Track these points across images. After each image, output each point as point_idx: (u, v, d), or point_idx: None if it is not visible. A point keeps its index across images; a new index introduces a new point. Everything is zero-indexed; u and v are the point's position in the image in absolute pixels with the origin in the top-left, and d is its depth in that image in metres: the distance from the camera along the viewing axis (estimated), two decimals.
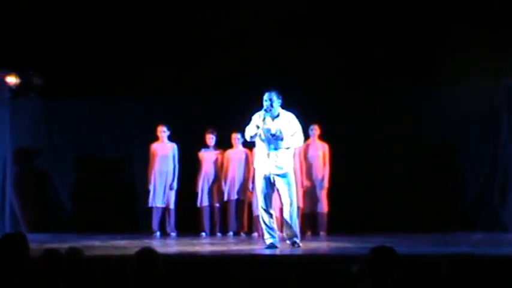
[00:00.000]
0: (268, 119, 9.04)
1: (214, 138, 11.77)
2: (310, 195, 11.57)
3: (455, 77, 11.42)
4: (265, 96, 9.02)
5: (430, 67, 11.67)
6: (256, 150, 9.32)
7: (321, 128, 11.58)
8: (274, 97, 9.00)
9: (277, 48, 11.73)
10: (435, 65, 11.61)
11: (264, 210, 9.15)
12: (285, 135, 9.01)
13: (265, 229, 9.18)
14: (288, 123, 9.08)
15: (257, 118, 9.05)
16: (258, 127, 8.96)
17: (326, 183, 11.59)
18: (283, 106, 9.15)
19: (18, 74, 11.98)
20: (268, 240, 9.11)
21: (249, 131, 9.05)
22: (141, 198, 12.14)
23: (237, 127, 11.31)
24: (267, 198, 9.15)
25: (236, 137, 11.62)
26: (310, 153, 11.51)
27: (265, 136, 9.04)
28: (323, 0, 11.64)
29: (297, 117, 9.17)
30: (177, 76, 12.04)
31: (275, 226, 9.25)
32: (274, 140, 9.01)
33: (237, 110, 11.38)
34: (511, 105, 11.66)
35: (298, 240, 9.13)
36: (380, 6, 11.55)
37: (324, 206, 11.59)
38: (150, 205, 11.75)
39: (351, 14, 11.66)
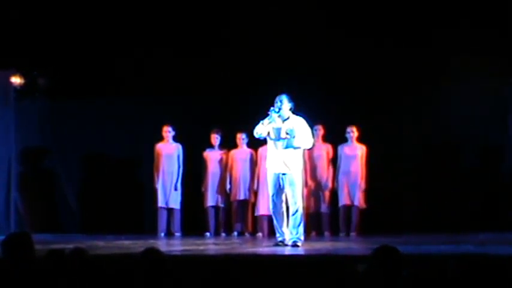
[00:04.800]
0: (278, 119, 9.25)
1: (219, 138, 11.77)
2: (314, 195, 11.58)
3: (462, 76, 11.41)
4: (277, 98, 9.29)
5: (435, 66, 11.64)
6: (267, 150, 9.56)
7: (324, 128, 11.57)
8: (285, 100, 9.28)
9: (282, 49, 11.70)
10: (441, 64, 11.58)
11: (273, 208, 9.36)
12: (296, 134, 9.20)
13: (275, 227, 9.44)
14: (297, 126, 9.29)
15: (267, 119, 9.26)
16: (270, 119, 9.18)
17: (330, 184, 11.59)
18: (294, 111, 9.37)
19: (23, 75, 11.98)
20: (278, 238, 9.36)
21: (258, 128, 9.28)
22: (147, 198, 12.16)
23: (242, 127, 11.32)
24: (277, 197, 9.31)
25: (241, 137, 11.63)
26: (315, 153, 11.50)
27: (275, 136, 9.27)
28: (332, 1, 11.61)
29: (306, 121, 9.40)
30: (182, 76, 12.02)
31: (285, 224, 9.36)
32: (285, 138, 9.20)
33: (242, 110, 11.40)
34: None
35: (299, 242, 9.20)
36: (388, 6, 11.51)
37: (327, 207, 11.59)
38: (159, 205, 11.76)
39: (357, 16, 11.63)
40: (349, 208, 11.58)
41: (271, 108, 9.21)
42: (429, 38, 11.52)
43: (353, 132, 11.55)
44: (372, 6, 11.57)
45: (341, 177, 11.56)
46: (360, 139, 11.64)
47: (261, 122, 9.24)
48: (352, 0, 11.69)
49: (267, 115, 9.20)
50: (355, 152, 11.57)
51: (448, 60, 11.45)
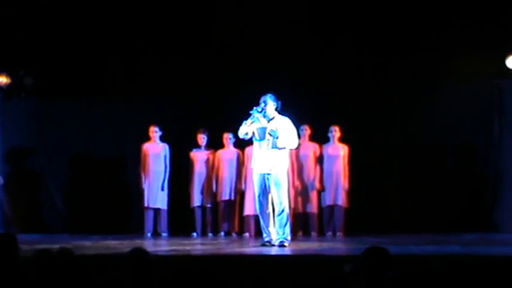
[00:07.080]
0: (263, 119, 9.25)
1: (205, 138, 11.75)
2: (301, 195, 11.58)
3: (447, 77, 11.47)
4: (262, 98, 9.29)
5: (421, 67, 11.67)
6: (252, 150, 9.57)
7: (311, 128, 11.58)
8: (269, 100, 9.28)
9: (269, 49, 11.69)
10: (426, 65, 11.62)
11: (260, 208, 9.36)
12: (280, 134, 9.19)
13: (262, 227, 9.44)
14: (282, 127, 9.28)
15: (250, 119, 9.25)
16: (253, 119, 9.19)
17: (317, 184, 11.60)
18: (280, 111, 9.38)
19: (10, 74, 11.94)
20: (265, 239, 9.36)
21: (242, 129, 9.29)
22: (133, 198, 12.13)
23: (228, 127, 11.31)
24: (263, 197, 9.31)
25: (228, 137, 11.61)
26: (301, 153, 11.50)
27: (259, 136, 9.26)
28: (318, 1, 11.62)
29: (291, 121, 9.39)
30: (169, 76, 12.01)
31: (271, 224, 9.36)
32: (270, 138, 9.19)
33: (228, 110, 11.39)
34: (502, 105, 11.71)
35: (286, 242, 9.21)
36: (376, 6, 11.53)
37: (314, 207, 11.60)
38: (146, 205, 11.75)
39: (345, 15, 11.64)
40: (333, 208, 11.59)
41: (254, 108, 9.24)
42: (416, 39, 11.55)
43: (335, 131, 11.56)
44: (356, 7, 11.59)
45: (324, 177, 11.58)
46: (347, 139, 11.65)
47: (244, 122, 9.25)
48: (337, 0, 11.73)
49: (250, 115, 9.22)
50: (337, 152, 11.58)
51: (433, 61, 11.50)
